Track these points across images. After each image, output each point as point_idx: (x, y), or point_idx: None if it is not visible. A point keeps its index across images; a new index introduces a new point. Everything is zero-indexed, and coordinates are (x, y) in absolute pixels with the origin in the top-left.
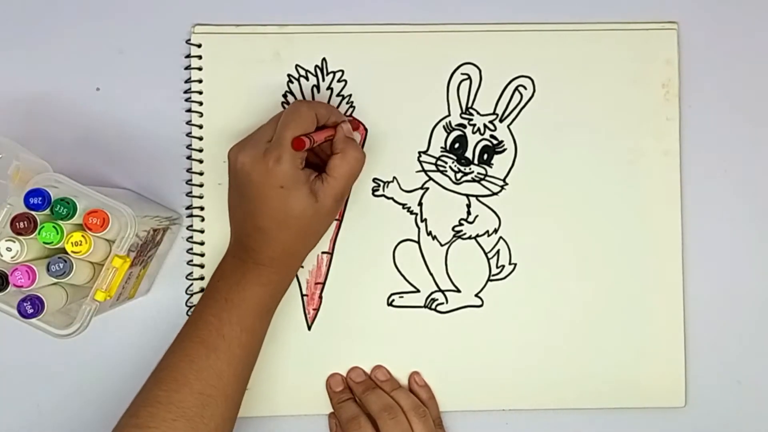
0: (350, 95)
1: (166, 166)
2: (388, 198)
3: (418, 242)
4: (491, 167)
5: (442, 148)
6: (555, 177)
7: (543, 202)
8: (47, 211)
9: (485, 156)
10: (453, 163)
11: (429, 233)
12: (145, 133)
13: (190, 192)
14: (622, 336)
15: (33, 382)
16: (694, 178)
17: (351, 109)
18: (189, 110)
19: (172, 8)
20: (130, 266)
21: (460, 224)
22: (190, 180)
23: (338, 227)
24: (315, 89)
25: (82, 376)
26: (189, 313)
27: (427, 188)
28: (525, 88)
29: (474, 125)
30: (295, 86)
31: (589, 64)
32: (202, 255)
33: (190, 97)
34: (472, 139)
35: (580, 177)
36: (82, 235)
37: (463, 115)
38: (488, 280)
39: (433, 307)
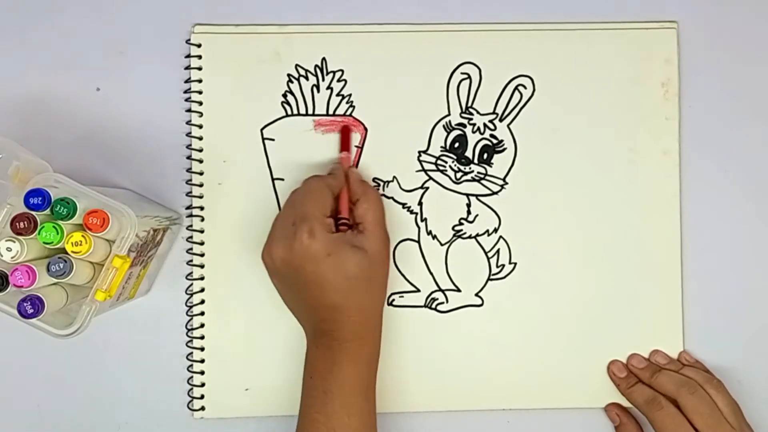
0: (350, 95)
1: (166, 166)
2: (388, 197)
3: (418, 242)
4: (491, 167)
5: (442, 147)
6: (555, 176)
7: (543, 202)
8: (47, 211)
9: (485, 155)
10: (453, 162)
11: (429, 233)
12: (145, 133)
13: (190, 192)
14: (622, 335)
15: (33, 382)
16: (694, 177)
17: (351, 109)
18: (189, 110)
19: (172, 8)
20: (130, 266)
21: (460, 224)
22: (190, 180)
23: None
24: (315, 89)
25: (82, 376)
26: (189, 313)
27: (427, 188)
28: (525, 88)
29: (474, 125)
30: (294, 86)
31: (589, 63)
32: (202, 255)
33: (190, 97)
34: (472, 138)
35: (579, 176)
36: (82, 235)
37: (463, 115)
38: (488, 279)
39: (434, 306)
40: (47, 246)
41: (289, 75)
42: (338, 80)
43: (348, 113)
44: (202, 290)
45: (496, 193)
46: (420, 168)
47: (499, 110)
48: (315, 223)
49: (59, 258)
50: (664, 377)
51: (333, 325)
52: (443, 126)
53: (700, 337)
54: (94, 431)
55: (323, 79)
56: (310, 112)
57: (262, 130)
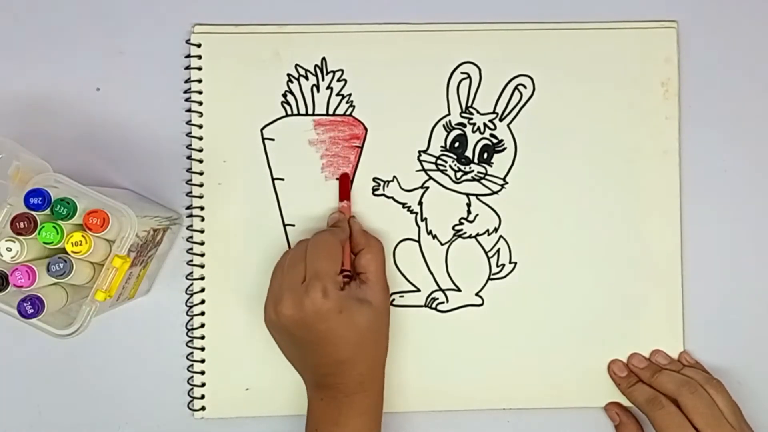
0: (350, 94)
1: (166, 166)
2: (388, 197)
3: (419, 241)
4: (491, 166)
5: (442, 147)
6: (555, 176)
7: (543, 201)
8: (47, 211)
9: (485, 155)
10: (453, 162)
11: (429, 232)
12: (145, 133)
13: (190, 192)
14: (622, 335)
15: (33, 383)
16: (694, 177)
17: (351, 109)
18: (189, 110)
19: (172, 8)
20: (130, 266)
21: (461, 223)
22: (190, 180)
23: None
24: (315, 89)
25: (82, 377)
26: (189, 313)
27: (427, 187)
28: (525, 87)
29: (474, 124)
30: (294, 86)
31: (589, 63)
32: (202, 255)
33: (189, 97)
34: (472, 138)
35: (579, 176)
36: (82, 235)
37: (463, 114)
38: (488, 279)
39: (434, 306)
40: (47, 246)
41: (288, 75)
42: (338, 80)
43: (348, 113)
44: (202, 290)
45: (496, 192)
46: (420, 168)
47: (499, 110)
48: (328, 281)
49: (59, 258)
50: (664, 377)
51: (339, 379)
52: (443, 126)
53: (700, 336)
54: (94, 431)
55: (323, 79)
56: (310, 111)
57: (262, 130)
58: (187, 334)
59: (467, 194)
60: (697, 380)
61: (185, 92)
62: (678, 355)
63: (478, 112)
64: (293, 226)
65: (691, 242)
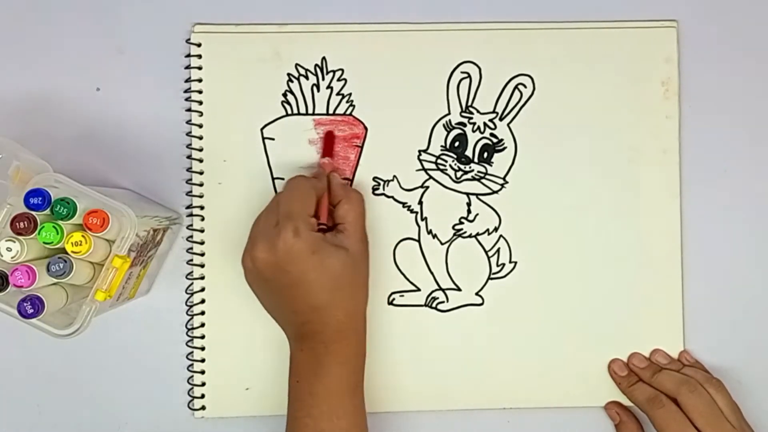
0: (350, 94)
1: (166, 165)
2: (388, 197)
3: (419, 241)
4: (491, 166)
5: (442, 146)
6: (555, 175)
7: (543, 201)
8: (47, 211)
9: (485, 154)
10: (453, 161)
11: (429, 232)
12: (145, 133)
13: (190, 191)
14: (622, 334)
15: (33, 383)
16: (694, 176)
17: (351, 108)
18: (189, 110)
19: (172, 8)
20: (130, 266)
21: (461, 223)
22: (190, 179)
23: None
24: (315, 88)
25: (83, 377)
26: (189, 313)
27: (428, 187)
28: (525, 87)
29: (474, 124)
30: (294, 85)
31: (589, 62)
32: (202, 255)
33: (190, 97)
34: (472, 137)
35: (579, 175)
36: (82, 235)
37: (463, 114)
38: (489, 278)
39: (434, 305)
40: (47, 246)
41: (289, 74)
42: (338, 79)
43: (348, 112)
44: (203, 290)
45: (496, 192)
46: (420, 167)
47: (499, 109)
48: (300, 221)
49: (59, 258)
50: (664, 376)
51: (317, 327)
52: (443, 125)
53: (700, 336)
54: (94, 431)
55: (323, 79)
56: (310, 111)
57: (262, 129)
58: (187, 334)
59: (467, 194)
60: (697, 379)
61: (185, 92)
62: (678, 354)
63: (478, 111)
64: None
65: (691, 242)
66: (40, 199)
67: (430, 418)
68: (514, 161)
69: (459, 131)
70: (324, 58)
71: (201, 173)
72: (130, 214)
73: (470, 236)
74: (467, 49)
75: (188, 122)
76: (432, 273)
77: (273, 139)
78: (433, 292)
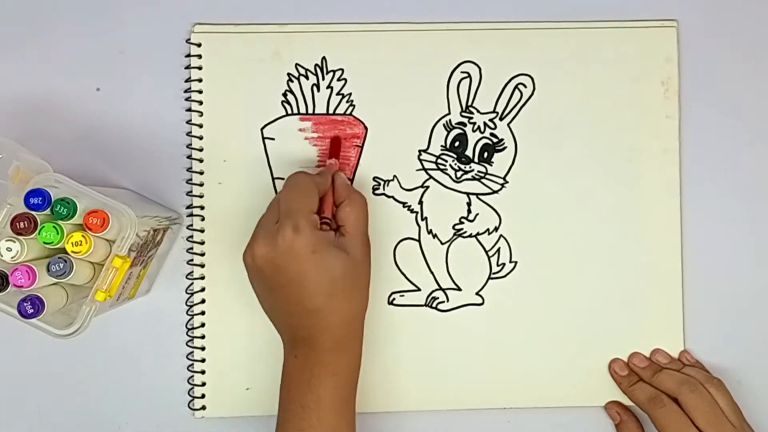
0: (350, 94)
1: (166, 165)
2: (388, 196)
3: (419, 241)
4: (491, 165)
5: (442, 146)
6: (555, 175)
7: (543, 200)
8: (47, 211)
9: (485, 154)
10: (453, 161)
11: (429, 231)
12: (145, 133)
13: (191, 191)
14: (623, 333)
15: (33, 383)
16: (694, 176)
17: (351, 108)
18: (189, 110)
19: (172, 8)
20: (130, 266)
21: (461, 222)
22: (191, 179)
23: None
24: (315, 88)
25: (82, 377)
26: (189, 313)
27: (428, 186)
28: (525, 87)
29: (474, 123)
30: (294, 85)
31: (589, 62)
32: (203, 255)
33: (190, 97)
34: (472, 137)
35: (579, 175)
36: (83, 235)
37: (463, 114)
38: (489, 278)
39: (434, 305)
40: (47, 246)
41: (289, 74)
42: (338, 79)
43: (348, 112)
44: (203, 290)
45: (496, 191)
46: (420, 167)
47: (500, 109)
48: (300, 218)
49: (59, 258)
50: (665, 375)
51: (312, 332)
52: (443, 125)
53: (700, 335)
54: (94, 431)
55: (323, 78)
56: (310, 111)
57: (262, 129)
58: (187, 334)
59: (467, 193)
60: (698, 379)
61: (185, 92)
62: (678, 354)
63: (478, 111)
64: None
65: (692, 241)
66: (40, 199)
67: (430, 418)
68: (515, 161)
69: (459, 131)
70: (324, 57)
71: (201, 173)
72: (130, 214)
73: (470, 236)
74: (467, 48)
75: (188, 122)
76: (432, 273)
77: (273, 138)
78: (433, 291)
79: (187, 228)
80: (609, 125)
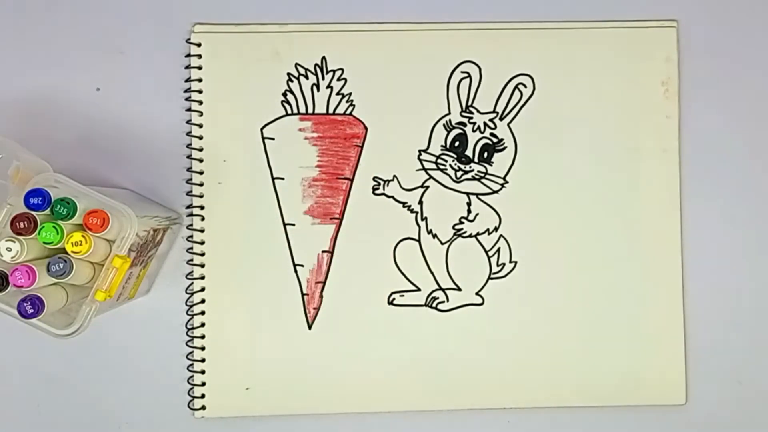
0: (350, 94)
1: (166, 165)
2: (388, 196)
3: (419, 240)
4: (491, 165)
5: (442, 146)
6: (555, 175)
7: (543, 200)
8: (47, 211)
9: (485, 154)
10: (453, 161)
11: (429, 231)
12: (145, 133)
13: (190, 191)
14: (622, 334)
15: (33, 383)
16: (694, 176)
17: (351, 108)
18: (189, 109)
19: (172, 8)
20: (130, 266)
21: (461, 222)
22: (191, 179)
23: (338, 226)
24: (315, 88)
25: (82, 377)
26: (189, 313)
27: (428, 186)
28: (525, 87)
29: (474, 123)
30: (294, 85)
31: (589, 62)
32: (203, 255)
33: (190, 97)
34: (473, 137)
35: (579, 175)
36: (82, 235)
37: (463, 114)
38: (489, 278)
39: (434, 305)
40: (47, 246)
41: (288, 74)
42: (338, 79)
43: (348, 112)
44: (203, 290)
45: (496, 191)
46: (420, 167)
47: (500, 109)
48: None
49: (59, 258)
50: None
51: None
52: (443, 125)
53: (700, 334)
54: (94, 431)
55: (323, 78)
56: (310, 111)
57: (262, 129)
58: (187, 334)
59: (467, 193)
60: None
61: (185, 92)
62: None
63: (478, 111)
64: (293, 225)
65: (692, 241)
66: (40, 199)
67: (429, 418)
68: (515, 161)
69: (459, 131)
70: (324, 57)
71: (201, 173)
72: (130, 214)
73: (470, 236)
74: (467, 48)
75: (188, 122)
76: (432, 273)
77: (273, 138)
78: (433, 292)
79: (187, 228)
80: (609, 125)
